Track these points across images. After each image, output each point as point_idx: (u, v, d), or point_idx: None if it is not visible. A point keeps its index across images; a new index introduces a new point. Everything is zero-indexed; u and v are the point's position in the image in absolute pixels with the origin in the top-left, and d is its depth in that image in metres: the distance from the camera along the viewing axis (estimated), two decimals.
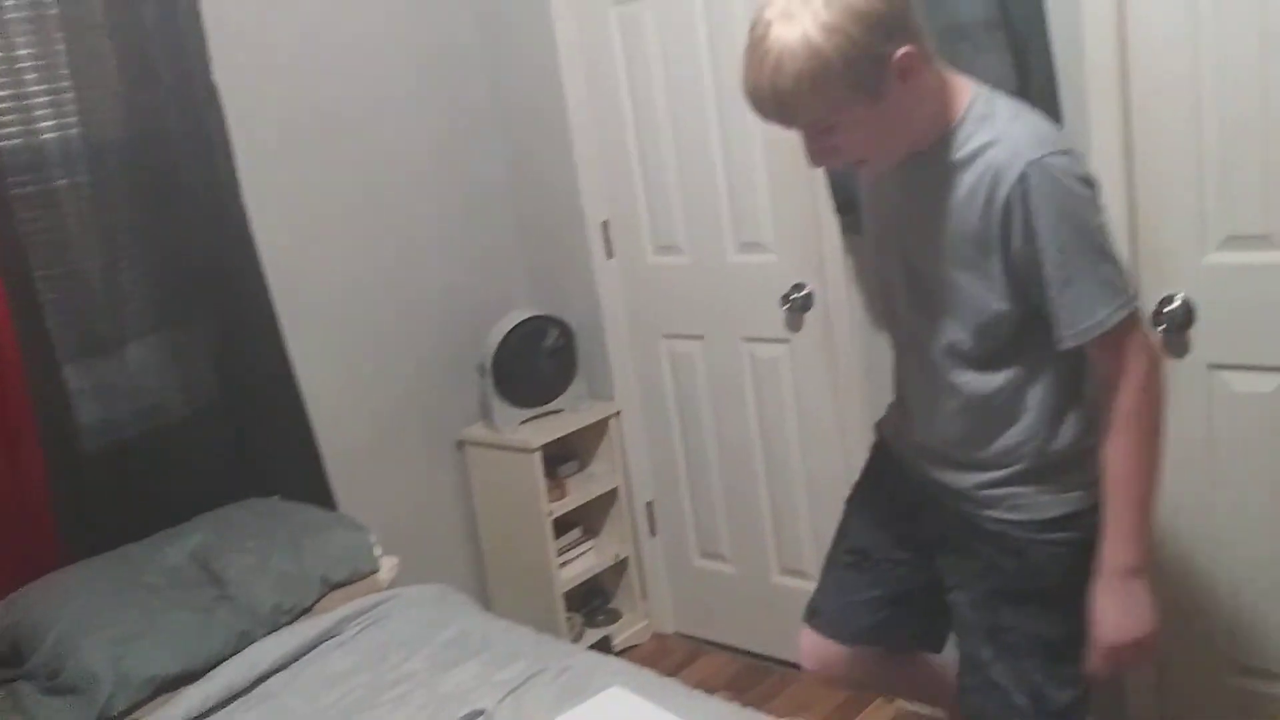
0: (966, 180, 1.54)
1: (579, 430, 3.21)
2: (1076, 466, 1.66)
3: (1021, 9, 2.17)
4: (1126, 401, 1.54)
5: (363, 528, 2.56)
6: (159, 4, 2.48)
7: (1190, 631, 2.36)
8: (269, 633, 2.26)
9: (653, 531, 3.35)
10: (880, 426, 1.99)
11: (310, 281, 2.89)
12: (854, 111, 1.48)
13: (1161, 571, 2.36)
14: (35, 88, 2.36)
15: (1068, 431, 1.66)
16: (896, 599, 1.95)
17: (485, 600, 3.29)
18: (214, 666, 2.16)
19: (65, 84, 2.39)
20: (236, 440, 2.69)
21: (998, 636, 1.74)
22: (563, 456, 3.27)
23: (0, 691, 2.14)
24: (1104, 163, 2.20)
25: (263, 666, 2.16)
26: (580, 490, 3.23)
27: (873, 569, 1.95)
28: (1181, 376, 2.24)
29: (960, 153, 1.55)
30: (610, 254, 3.17)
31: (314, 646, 2.24)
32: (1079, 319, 1.52)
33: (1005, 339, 1.61)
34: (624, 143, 3.04)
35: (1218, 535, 2.28)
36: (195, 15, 2.54)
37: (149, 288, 2.55)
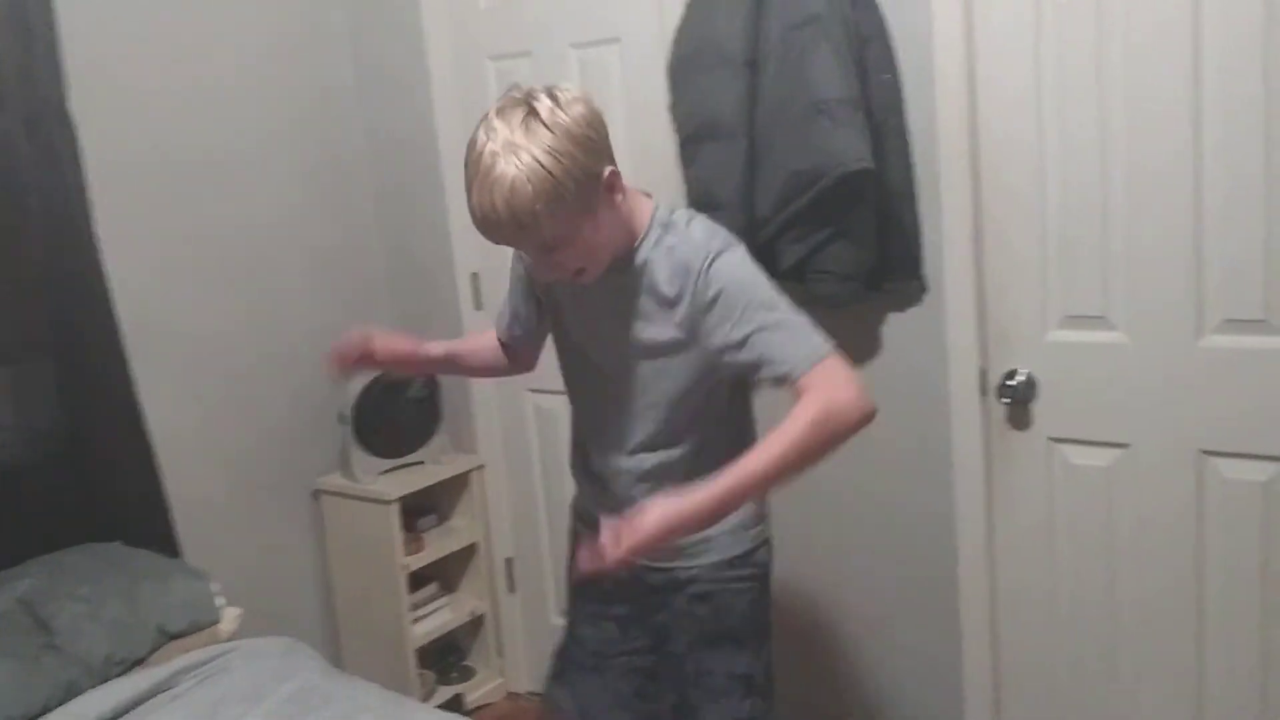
0: (659, 278, 1.70)
1: (440, 483, 3.16)
2: (750, 508, 1.82)
3: (879, 88, 2.27)
4: (817, 408, 1.57)
5: (204, 576, 2.46)
6: (13, 29, 2.40)
7: (1025, 698, 2.43)
8: (98, 684, 2.15)
9: (511, 588, 3.30)
10: (574, 506, 2.04)
11: (167, 322, 2.79)
12: (577, 229, 1.61)
13: (1000, 642, 2.44)
14: None
15: None
16: (643, 687, 1.98)
17: (336, 655, 3.19)
18: (38, 718, 2.04)
19: None
20: (78, 483, 2.57)
21: (702, 681, 1.86)
22: (422, 509, 3.21)
23: None
24: (955, 241, 2.30)
25: (89, 719, 2.05)
26: (438, 544, 3.18)
27: (610, 668, 1.98)
28: (1024, 449, 2.34)
29: (648, 258, 1.72)
30: (479, 306, 3.16)
31: (145, 699, 2.14)
32: (801, 350, 1.61)
33: (684, 417, 1.78)
34: None
35: (1055, 603, 2.37)
36: (52, 42, 2.46)
37: None
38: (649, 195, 1.79)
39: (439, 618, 3.20)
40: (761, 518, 1.88)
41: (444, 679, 3.26)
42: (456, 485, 3.23)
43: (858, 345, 2.47)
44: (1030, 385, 2.30)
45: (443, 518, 3.29)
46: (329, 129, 3.17)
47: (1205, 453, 2.14)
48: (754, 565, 1.87)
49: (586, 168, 1.57)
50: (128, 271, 2.66)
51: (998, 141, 2.24)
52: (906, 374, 2.42)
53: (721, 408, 1.81)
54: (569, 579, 2.08)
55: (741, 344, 1.64)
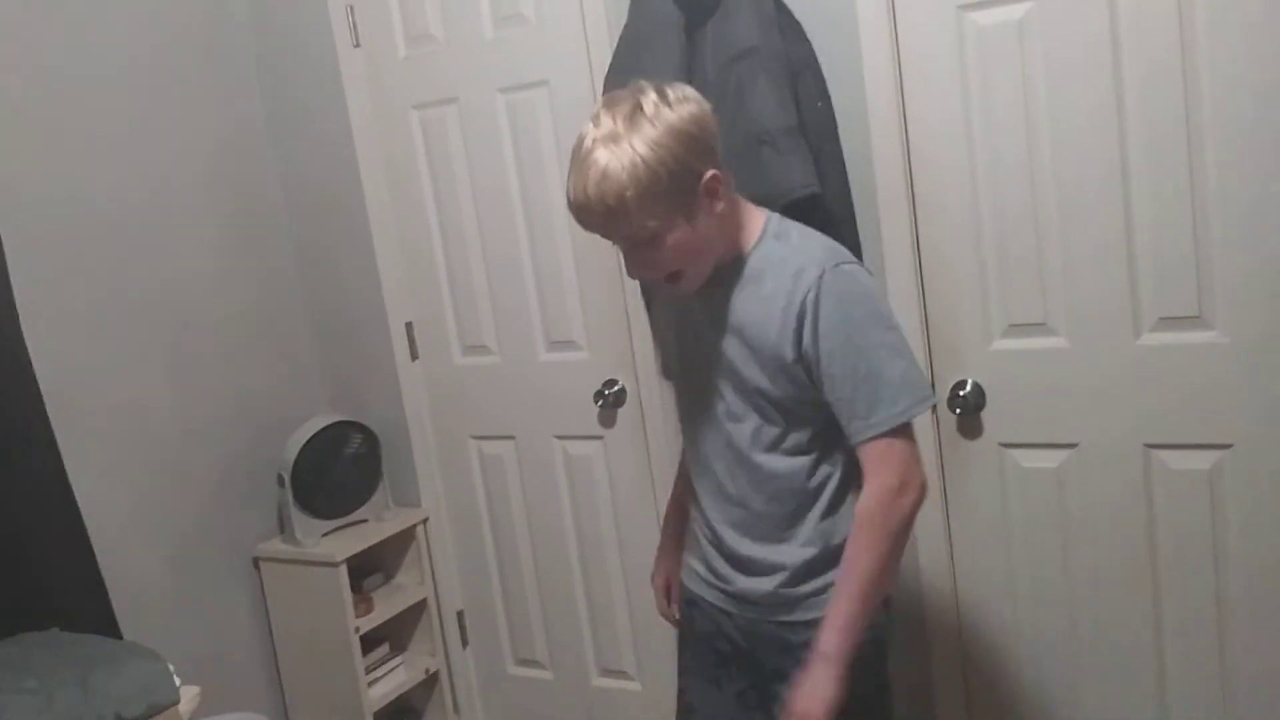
0: (766, 289, 1.68)
1: (384, 540, 3.09)
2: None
3: (814, 116, 2.32)
4: (867, 506, 1.65)
5: (158, 656, 2.35)
6: None
7: (988, 700, 2.48)
8: None
9: (464, 642, 3.24)
10: (686, 580, 1.98)
11: (88, 393, 2.68)
12: (673, 225, 1.60)
13: (966, 645, 2.49)
14: None
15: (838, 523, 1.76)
16: None
17: None
18: None
19: None
20: (6, 568, 2.43)
21: None
22: (367, 569, 3.13)
23: None
24: (896, 260, 2.37)
25: None
26: (387, 603, 3.10)
27: None
28: (975, 456, 2.40)
29: (760, 267, 1.69)
30: (415, 355, 3.12)
31: None
32: (873, 421, 1.63)
33: (811, 429, 1.72)
34: (428, 242, 3.02)
35: (1013, 607, 2.43)
36: None
37: None
38: (762, 209, 1.77)
39: (393, 679, 3.11)
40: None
41: None
42: (401, 541, 3.16)
43: None
44: (979, 394, 2.37)
45: (389, 575, 3.21)
46: (245, 180, 3.10)
47: (1150, 446, 2.23)
48: (875, 628, 1.75)
49: (685, 164, 1.58)
50: (44, 339, 2.54)
51: (930, 163, 2.32)
52: None
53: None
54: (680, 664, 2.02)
55: (828, 376, 1.64)
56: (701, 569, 1.91)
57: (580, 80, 2.65)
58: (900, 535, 1.66)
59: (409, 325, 3.10)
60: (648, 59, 2.36)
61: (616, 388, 2.80)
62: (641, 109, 1.57)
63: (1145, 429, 2.23)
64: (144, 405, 2.81)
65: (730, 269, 1.71)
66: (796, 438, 1.73)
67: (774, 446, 1.74)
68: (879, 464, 1.65)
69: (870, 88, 2.32)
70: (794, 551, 1.76)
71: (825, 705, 1.64)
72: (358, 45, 2.98)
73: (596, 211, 1.58)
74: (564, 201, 2.69)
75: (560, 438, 2.94)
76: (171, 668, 2.33)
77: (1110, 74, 2.12)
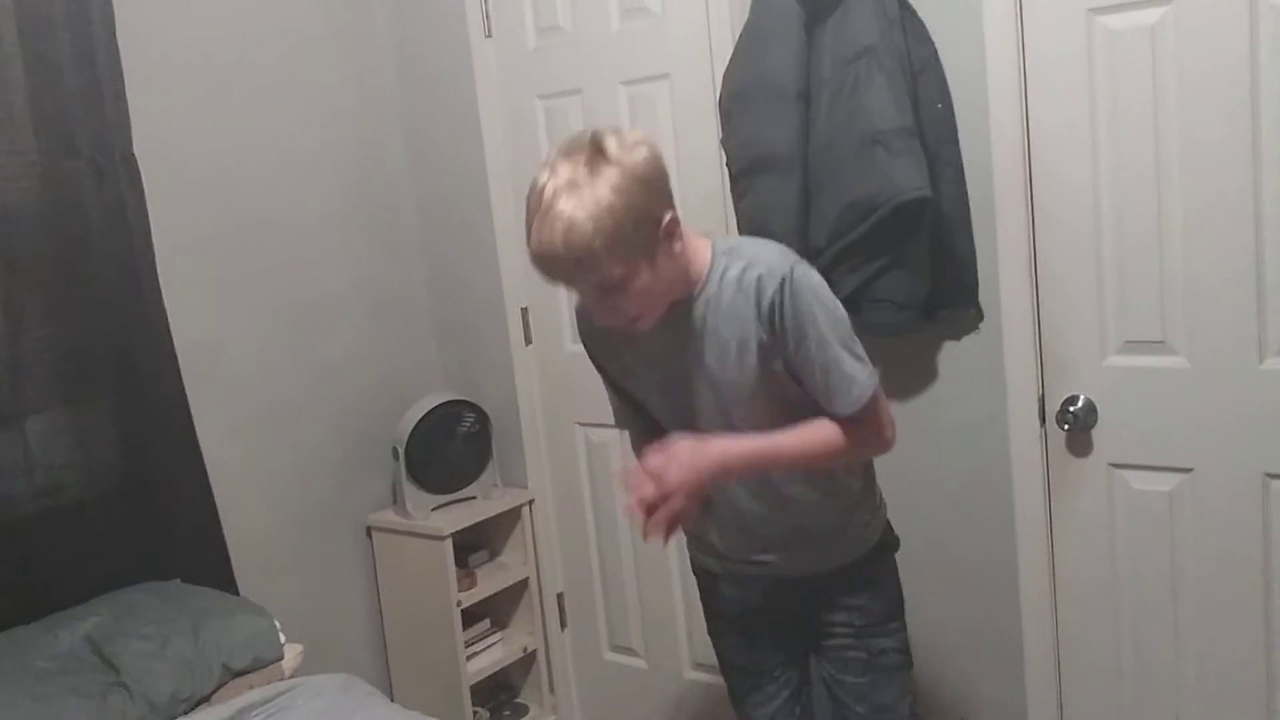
0: (732, 300, 1.72)
1: (491, 518, 3.17)
2: (870, 493, 1.98)
3: (932, 118, 2.28)
4: (860, 441, 1.78)
5: (266, 613, 2.48)
6: (82, 74, 2.46)
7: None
8: None
9: (563, 624, 3.30)
10: (695, 561, 2.12)
11: (221, 360, 2.83)
12: (638, 271, 1.62)
13: (1064, 672, 2.42)
14: None
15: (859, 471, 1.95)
16: (799, 692, 2.09)
17: (388, 692, 3.19)
18: None
19: None
20: (138, 521, 2.60)
21: (877, 661, 1.96)
22: (473, 545, 3.22)
23: None
24: (1010, 268, 2.31)
25: None
26: (490, 580, 3.18)
27: (771, 681, 2.09)
28: (1085, 475, 2.33)
29: (719, 284, 1.74)
30: (529, 340, 3.18)
31: None
32: (852, 396, 1.73)
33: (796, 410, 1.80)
34: None
35: (1118, 629, 2.35)
36: (120, 88, 2.52)
37: (53, 361, 2.48)
38: (707, 235, 1.79)
39: (492, 654, 3.20)
40: (878, 504, 2.01)
41: (497, 716, 3.25)
42: (507, 520, 3.24)
43: (914, 374, 2.48)
44: (1090, 411, 2.29)
45: (493, 553, 3.29)
46: (378, 160, 3.22)
47: (1271, 475, 2.12)
48: (888, 537, 2.01)
49: (646, 210, 1.59)
50: (183, 310, 2.70)
51: (1051, 171, 2.25)
52: (964, 402, 2.42)
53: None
54: (710, 629, 2.19)
55: (805, 371, 1.73)
56: (724, 560, 2.01)
57: (701, 74, 2.66)
58: (849, 461, 1.86)
59: (524, 311, 3.17)
60: (767, 54, 2.36)
61: None
62: (600, 155, 1.57)
63: (1266, 457, 2.12)
64: (270, 373, 2.96)
65: (686, 300, 1.75)
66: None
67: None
68: (866, 418, 1.77)
69: (993, 92, 2.26)
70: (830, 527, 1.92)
71: (678, 480, 1.67)
72: (490, 35, 3.05)
73: (565, 262, 1.58)
74: (678, 196, 2.75)
75: None
76: (278, 625, 2.46)
77: (1247, 86, 2.02)
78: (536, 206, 1.58)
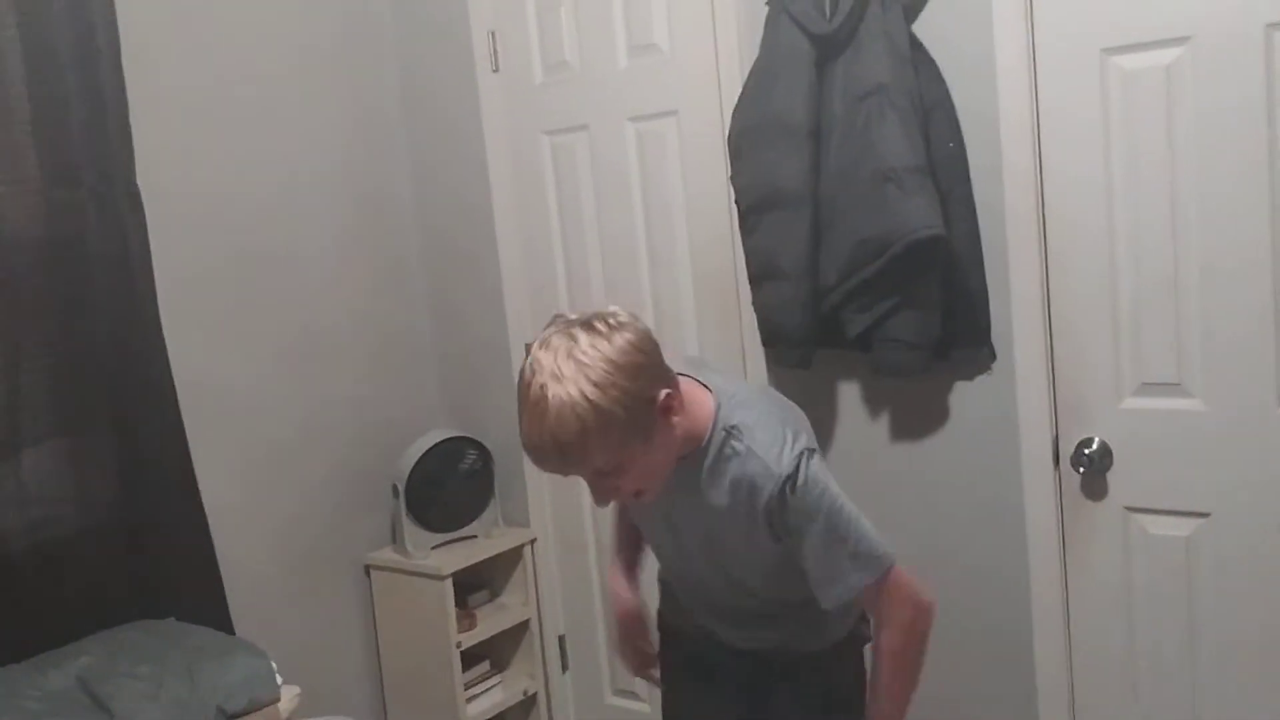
0: (725, 486, 1.68)
1: (492, 557, 3.12)
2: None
3: (944, 157, 2.27)
4: (891, 640, 1.74)
5: (263, 654, 2.42)
6: (89, 104, 2.44)
7: None
8: None
9: (564, 666, 3.24)
10: (662, 617, 2.11)
11: (219, 395, 2.79)
12: (630, 454, 1.56)
13: (1071, 714, 2.37)
14: None
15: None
16: None
17: None
18: None
19: None
20: (132, 558, 2.55)
21: None
22: (473, 585, 3.17)
23: None
24: (1024, 308, 2.28)
25: None
26: (491, 621, 3.13)
27: None
28: (1098, 518, 2.29)
29: (714, 465, 1.69)
30: None
31: None
32: (837, 590, 1.69)
33: (782, 589, 1.81)
34: (551, 265, 3.06)
35: (1134, 677, 2.30)
36: (124, 119, 2.51)
37: (51, 392, 2.43)
38: (706, 385, 1.72)
39: (491, 697, 3.13)
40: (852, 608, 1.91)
41: None
42: (508, 560, 3.18)
43: (926, 415, 2.44)
44: (1105, 454, 2.25)
45: (494, 593, 3.24)
46: (382, 199, 3.20)
47: None
48: (855, 638, 1.95)
49: (637, 395, 1.53)
50: (184, 344, 2.67)
51: (1065, 211, 2.23)
52: (976, 443, 2.38)
53: None
54: (664, 680, 2.13)
55: (808, 566, 1.69)
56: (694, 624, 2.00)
57: (709, 111, 2.64)
58: (917, 664, 1.77)
59: (528, 347, 3.12)
60: (777, 91, 2.35)
61: None
62: (577, 349, 1.50)
63: None
64: (269, 409, 2.92)
65: (688, 465, 1.69)
66: (773, 601, 1.84)
67: (747, 620, 1.89)
68: (878, 604, 1.73)
69: (1005, 131, 2.24)
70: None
71: None
72: (497, 70, 3.04)
73: (554, 459, 1.54)
74: (685, 232, 2.75)
75: None
76: (275, 666, 2.40)
77: (1264, 124, 2.00)
78: (525, 401, 1.53)
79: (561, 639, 3.23)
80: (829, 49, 2.29)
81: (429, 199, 3.25)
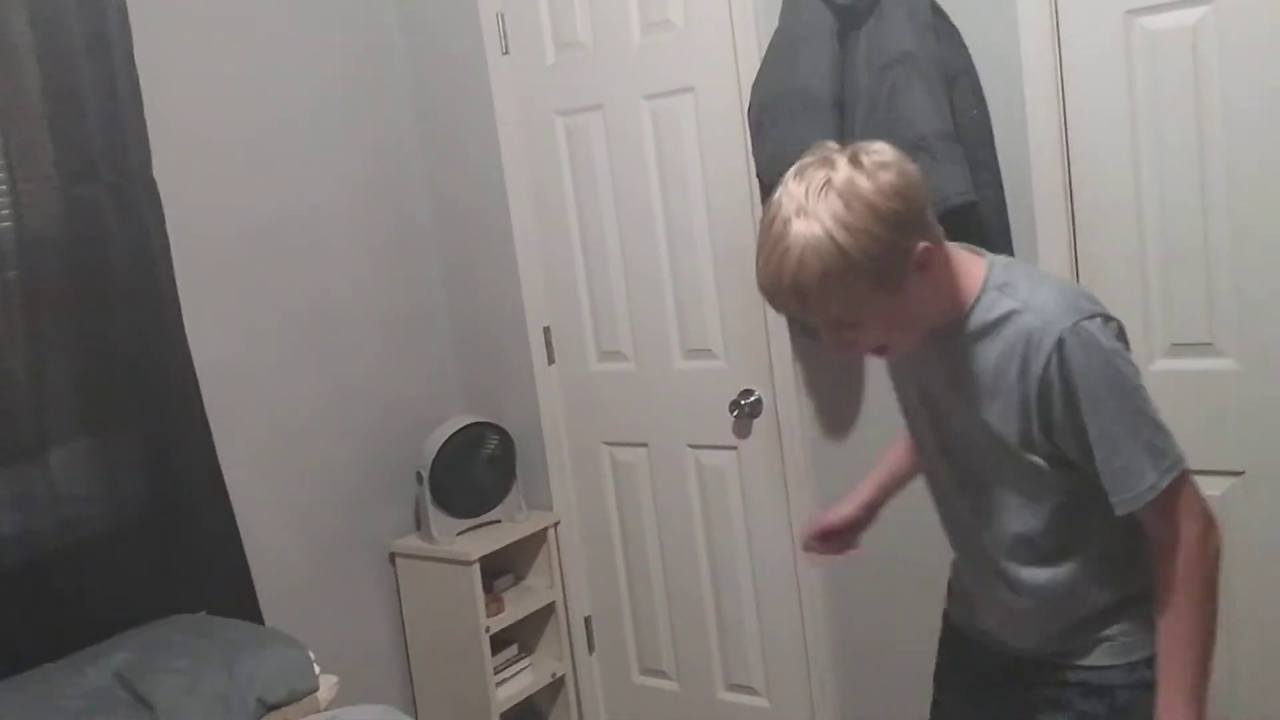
0: (994, 350, 1.48)
1: (516, 541, 3.12)
2: (1145, 606, 1.56)
3: (969, 124, 2.26)
4: (1178, 568, 1.48)
5: (300, 644, 2.41)
6: (102, 99, 2.41)
7: None
8: None
9: (591, 648, 3.24)
10: (948, 612, 1.84)
11: (242, 387, 2.78)
12: (875, 306, 1.43)
13: None
14: None
15: (1137, 577, 1.57)
16: None
17: None
18: None
19: (0, 175, 2.29)
20: (163, 553, 2.53)
21: None
22: (499, 569, 3.17)
23: None
24: (1052, 270, 2.27)
25: None
26: (517, 605, 3.12)
27: None
28: None
29: (983, 324, 1.49)
30: (552, 360, 3.14)
31: None
32: (1131, 484, 1.45)
33: (1058, 513, 1.54)
34: (568, 248, 3.04)
35: None
36: (139, 111, 2.48)
37: (77, 391, 2.42)
38: (980, 254, 1.55)
39: (520, 680, 3.13)
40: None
41: None
42: (532, 543, 3.18)
43: None
44: None
45: (519, 577, 3.24)
46: (398, 190, 3.18)
47: None
48: (1153, 669, 1.55)
49: (889, 243, 1.37)
50: (204, 336, 2.65)
51: (1092, 175, 2.23)
52: None
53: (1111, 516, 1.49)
54: (936, 676, 1.86)
55: (1084, 452, 1.45)
56: (971, 619, 1.75)
57: (727, 87, 2.63)
58: (1212, 593, 1.49)
59: (546, 330, 3.13)
60: (799, 63, 2.34)
61: (753, 398, 2.77)
62: (833, 182, 1.36)
63: None
64: (293, 404, 2.90)
65: (949, 331, 1.51)
66: (1049, 538, 1.55)
67: (1027, 557, 1.58)
68: (1165, 522, 1.47)
69: (1030, 97, 2.24)
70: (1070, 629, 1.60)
71: None
72: (506, 53, 3.02)
73: (789, 300, 1.42)
74: (704, 209, 2.74)
75: (693, 447, 2.92)
76: (312, 656, 2.40)
77: None
78: (766, 235, 1.40)
79: (587, 620, 3.23)
80: (851, 18, 2.28)
81: (444, 184, 3.23)
